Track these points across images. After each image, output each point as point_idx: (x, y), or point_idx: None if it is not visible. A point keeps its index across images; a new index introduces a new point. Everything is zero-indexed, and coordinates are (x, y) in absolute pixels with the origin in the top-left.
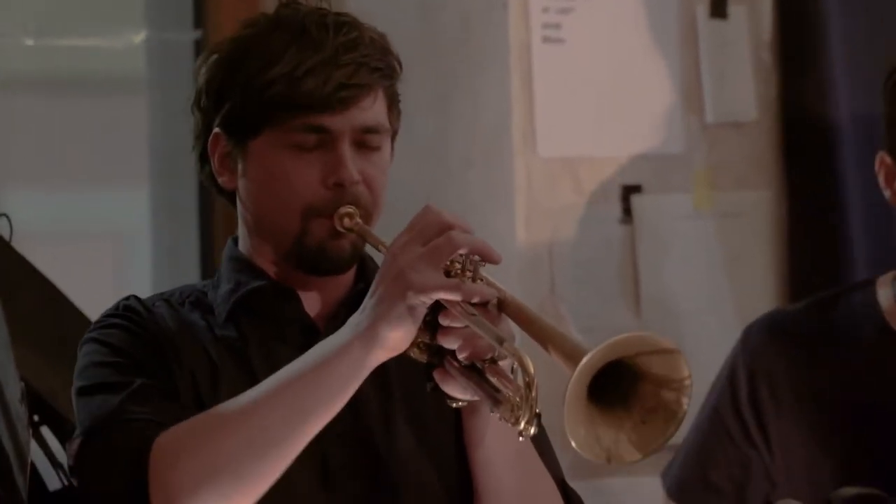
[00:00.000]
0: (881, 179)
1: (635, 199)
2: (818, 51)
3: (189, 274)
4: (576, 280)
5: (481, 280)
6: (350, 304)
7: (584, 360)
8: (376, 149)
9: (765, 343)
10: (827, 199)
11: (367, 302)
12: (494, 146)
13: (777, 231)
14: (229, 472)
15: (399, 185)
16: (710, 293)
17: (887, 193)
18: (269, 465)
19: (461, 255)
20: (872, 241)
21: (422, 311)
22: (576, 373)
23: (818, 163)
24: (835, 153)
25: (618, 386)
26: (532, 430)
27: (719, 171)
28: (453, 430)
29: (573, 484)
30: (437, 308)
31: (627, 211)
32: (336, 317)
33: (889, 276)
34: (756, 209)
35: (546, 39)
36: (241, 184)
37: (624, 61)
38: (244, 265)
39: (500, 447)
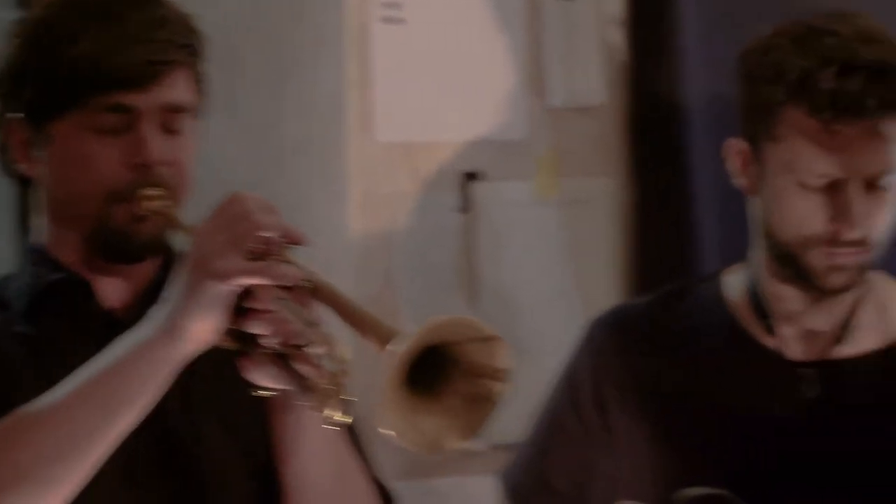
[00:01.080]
0: (733, 166)
1: (475, 187)
2: (669, 32)
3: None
4: (412, 270)
5: (289, 263)
6: (154, 293)
7: (400, 344)
8: (181, 129)
9: (608, 339)
10: (676, 186)
11: (171, 292)
12: (329, 131)
13: (623, 220)
14: (32, 478)
15: (229, 170)
16: (552, 284)
17: (740, 181)
18: (74, 469)
19: (268, 238)
20: (723, 231)
21: (229, 300)
22: (391, 358)
23: (668, 149)
24: (685, 139)
25: (437, 372)
26: (342, 419)
27: (563, 158)
28: (262, 421)
29: (403, 484)
30: (248, 293)
31: (467, 199)
32: (141, 307)
33: (735, 268)
34: (601, 197)
35: (386, 19)
36: (42, 171)
37: (466, 43)
38: (42, 257)
39: (315, 446)
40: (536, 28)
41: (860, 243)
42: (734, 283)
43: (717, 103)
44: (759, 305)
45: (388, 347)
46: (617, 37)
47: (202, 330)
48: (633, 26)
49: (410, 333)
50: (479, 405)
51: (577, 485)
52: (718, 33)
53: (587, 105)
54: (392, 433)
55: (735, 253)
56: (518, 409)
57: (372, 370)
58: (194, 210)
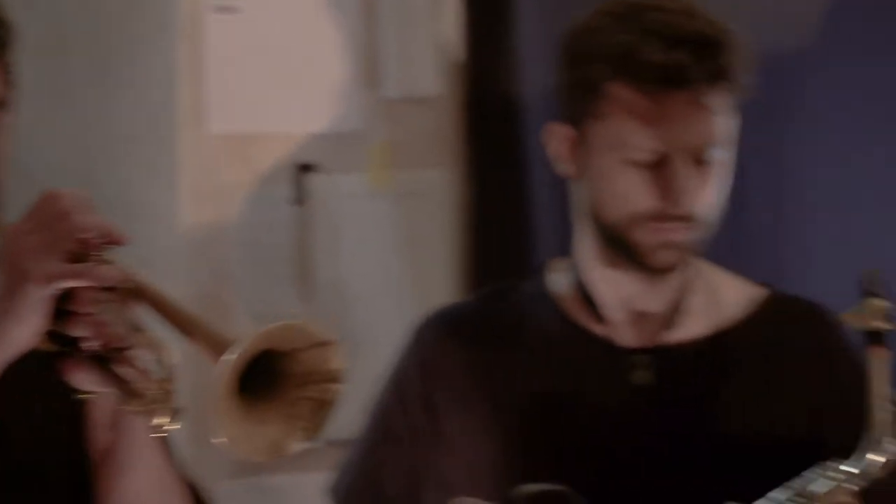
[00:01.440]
0: (556, 151)
1: (309, 179)
2: (505, 24)
3: None
4: (245, 264)
5: (109, 265)
6: None
7: (232, 352)
8: None
9: (436, 339)
10: (512, 178)
11: None
12: (160, 121)
13: (459, 212)
14: None
15: (57, 163)
16: (387, 277)
17: (564, 166)
18: None
19: (87, 239)
20: (559, 223)
21: (48, 303)
22: (224, 367)
23: (504, 140)
24: (521, 130)
25: (271, 378)
26: (170, 426)
27: (399, 149)
28: (78, 424)
29: (235, 482)
30: (68, 295)
31: (301, 191)
32: None
33: (561, 262)
34: (437, 189)
35: (219, 9)
36: None
37: (300, 34)
38: None
39: (144, 459)
40: (371, 19)
41: (686, 219)
42: (559, 276)
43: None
44: (587, 294)
45: (222, 357)
46: (452, 28)
47: (20, 336)
48: (468, 18)
49: (242, 341)
50: (317, 408)
51: (408, 489)
52: (554, 25)
53: (422, 96)
54: (226, 442)
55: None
56: (353, 404)
57: (201, 374)
58: (22, 203)
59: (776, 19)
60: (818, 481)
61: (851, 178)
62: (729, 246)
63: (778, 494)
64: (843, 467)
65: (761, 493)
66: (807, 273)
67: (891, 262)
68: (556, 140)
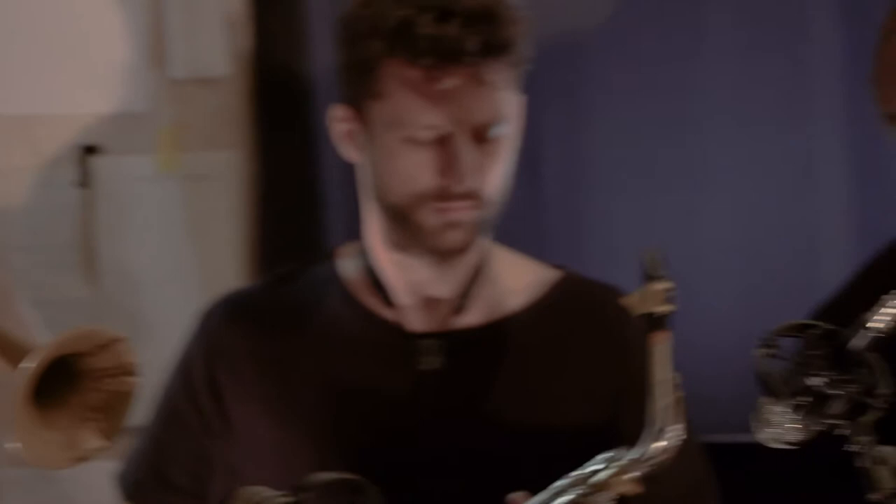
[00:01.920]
0: (337, 133)
1: (94, 161)
2: (294, 2)
3: None
4: (27, 249)
5: None
6: None
7: (28, 361)
8: None
9: (223, 326)
10: (302, 160)
11: None
12: None
13: (248, 195)
14: None
15: None
16: (174, 261)
17: (346, 149)
18: None
19: None
20: (351, 206)
21: None
22: (19, 376)
23: (294, 121)
24: (311, 111)
25: (68, 382)
26: None
27: (186, 131)
28: None
29: (18, 471)
30: None
31: (86, 173)
32: None
33: (351, 246)
34: (226, 171)
35: None
36: None
37: (84, 13)
38: None
39: None
40: None
41: (471, 197)
42: (348, 260)
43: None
44: (376, 278)
45: (20, 365)
46: (240, 7)
47: None
48: None
49: (37, 351)
50: (114, 404)
51: (196, 478)
52: (344, 3)
53: (210, 77)
54: (18, 449)
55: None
56: (139, 391)
57: None
58: None
59: None
60: (600, 468)
61: (650, 157)
62: (526, 228)
63: (562, 483)
64: (627, 455)
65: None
66: (607, 255)
67: (691, 242)
68: (338, 122)
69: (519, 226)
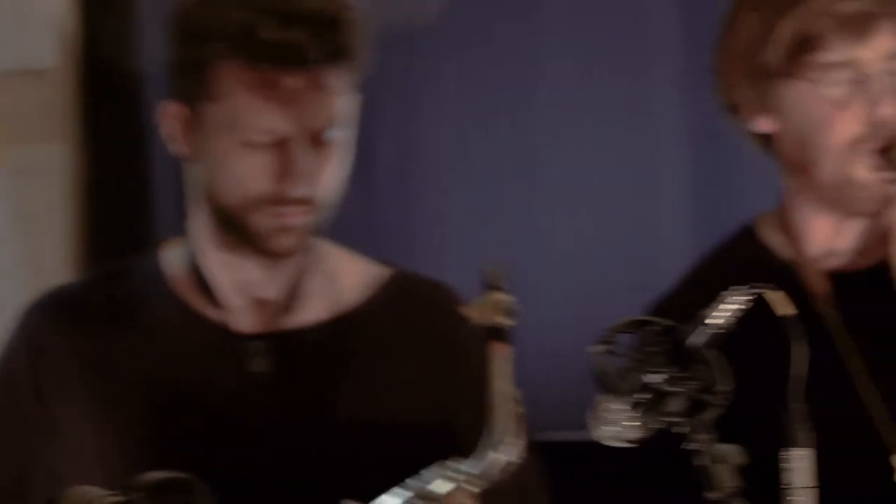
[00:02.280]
0: (169, 131)
1: None
2: None
3: None
4: None
5: None
6: None
7: None
8: None
9: (45, 324)
10: (131, 154)
11: None
12: None
13: (75, 189)
14: None
15: None
16: (1, 259)
17: (178, 147)
18: None
19: None
20: (181, 201)
21: None
22: None
23: (122, 115)
24: (141, 105)
25: None
26: None
27: (11, 124)
28: None
29: None
30: None
31: None
32: None
33: (178, 243)
34: (52, 165)
35: None
36: None
37: None
38: None
39: None
40: None
41: (305, 202)
42: (174, 258)
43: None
44: (202, 277)
45: None
46: None
47: None
48: None
49: None
50: None
51: (18, 479)
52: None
53: (35, 69)
54: None
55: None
56: None
57: None
58: None
59: None
60: (437, 481)
61: (484, 153)
62: (357, 226)
63: (396, 494)
64: (462, 467)
65: (389, 487)
66: (439, 252)
67: (526, 238)
68: (169, 119)
69: (350, 223)
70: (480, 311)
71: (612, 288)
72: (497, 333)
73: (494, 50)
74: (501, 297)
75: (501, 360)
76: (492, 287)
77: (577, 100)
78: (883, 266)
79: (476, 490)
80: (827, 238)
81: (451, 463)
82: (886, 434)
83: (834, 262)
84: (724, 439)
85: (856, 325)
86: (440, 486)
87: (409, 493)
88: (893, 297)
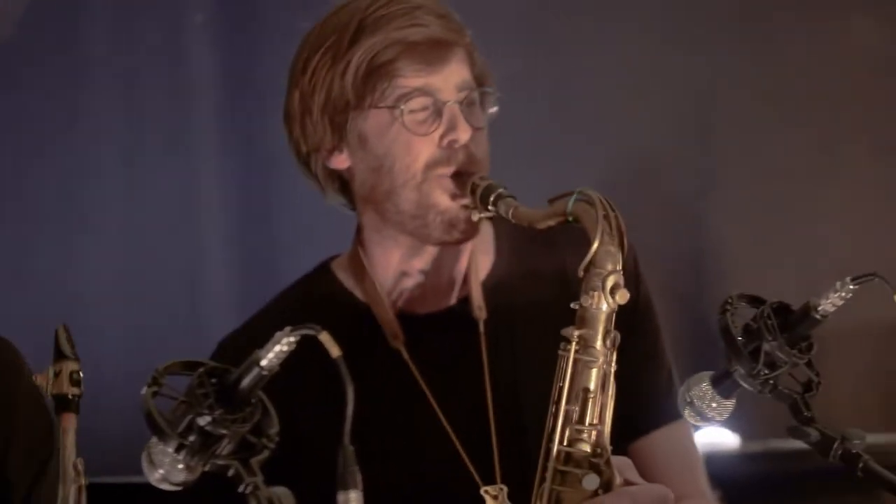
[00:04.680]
0: None
1: None
2: None
3: None
4: None
5: None
6: None
7: None
8: None
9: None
10: None
11: None
12: None
13: None
14: None
15: None
16: None
17: None
18: None
19: None
20: None
21: None
22: None
23: None
24: None
25: None
26: None
27: None
28: None
29: None
30: None
31: None
32: None
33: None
34: None
35: None
36: None
37: None
38: None
39: None
40: None
41: None
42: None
43: None
44: None
45: None
46: None
47: None
48: None
49: None
50: None
51: None
52: None
53: None
54: None
55: None
56: None
57: None
58: None
59: None
60: None
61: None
62: None
63: None
64: None
65: None
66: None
67: (72, 275)
68: None
69: None
70: (53, 379)
71: (161, 328)
72: (66, 403)
73: (36, 84)
74: (70, 363)
75: (69, 431)
76: (62, 353)
77: (122, 136)
78: (461, 301)
79: None
80: (398, 275)
81: None
82: (473, 466)
83: (406, 298)
84: (274, 481)
85: (429, 362)
86: None
87: None
88: (465, 333)
